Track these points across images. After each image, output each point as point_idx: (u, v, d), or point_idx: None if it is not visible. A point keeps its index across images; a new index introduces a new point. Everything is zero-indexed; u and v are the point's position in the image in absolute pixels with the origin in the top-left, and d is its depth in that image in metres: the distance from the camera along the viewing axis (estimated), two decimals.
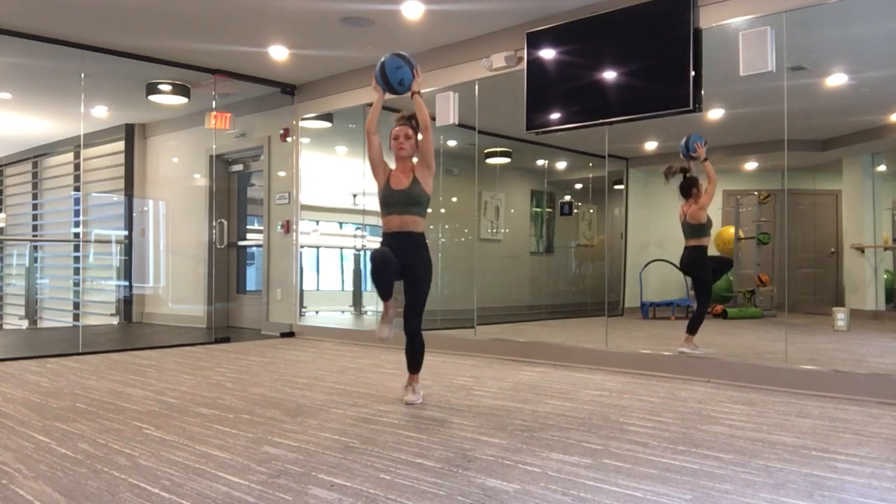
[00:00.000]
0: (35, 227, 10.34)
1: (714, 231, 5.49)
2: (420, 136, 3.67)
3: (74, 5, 5.12)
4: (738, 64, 4.30)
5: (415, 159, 3.70)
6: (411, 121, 3.69)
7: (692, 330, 4.82)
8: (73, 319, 8.80)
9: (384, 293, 3.58)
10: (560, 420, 3.26)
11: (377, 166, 3.68)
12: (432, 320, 7.43)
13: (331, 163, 8.25)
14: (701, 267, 5.07)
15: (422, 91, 3.69)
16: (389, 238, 3.63)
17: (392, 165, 3.72)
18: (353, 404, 3.65)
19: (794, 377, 4.01)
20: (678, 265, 5.22)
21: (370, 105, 3.76)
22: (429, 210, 3.77)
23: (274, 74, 6.99)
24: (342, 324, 7.86)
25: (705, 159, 5.01)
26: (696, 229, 5.04)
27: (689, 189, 5.09)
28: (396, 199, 3.60)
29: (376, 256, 3.46)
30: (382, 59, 3.64)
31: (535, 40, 5.33)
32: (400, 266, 3.54)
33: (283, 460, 2.58)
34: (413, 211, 3.60)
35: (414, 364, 3.74)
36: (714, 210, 5.37)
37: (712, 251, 5.46)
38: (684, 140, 5.07)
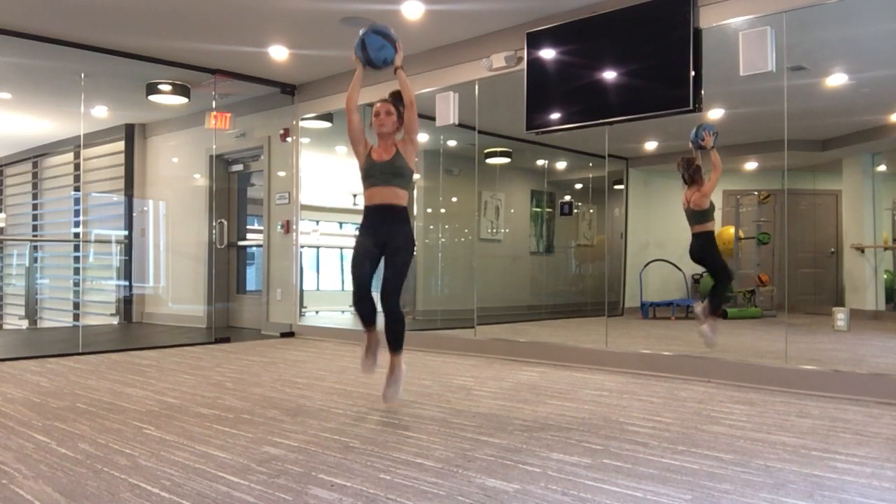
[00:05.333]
0: (35, 227, 10.34)
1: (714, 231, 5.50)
2: (404, 113, 3.58)
3: (74, 5, 5.12)
4: (738, 64, 4.30)
5: (399, 137, 3.62)
6: (394, 97, 3.62)
7: (714, 309, 4.87)
8: (73, 319, 8.80)
9: (366, 319, 3.56)
10: (560, 420, 3.26)
11: (358, 143, 3.60)
12: (432, 320, 7.45)
13: (331, 163, 8.26)
14: (710, 250, 5.16)
15: (403, 65, 3.60)
16: (371, 212, 3.54)
17: (373, 143, 3.65)
18: (353, 404, 3.65)
19: (794, 377, 4.01)
20: (679, 266, 5.25)
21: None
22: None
23: (274, 74, 6.99)
24: (342, 324, 7.86)
25: (712, 148, 5.04)
26: (699, 215, 5.12)
27: (692, 175, 5.14)
28: (379, 170, 3.51)
29: (355, 290, 3.47)
30: (362, 34, 3.53)
31: (535, 40, 5.33)
32: (380, 242, 3.49)
33: (283, 460, 2.58)
34: (395, 182, 3.51)
35: (394, 341, 3.55)
36: (714, 210, 5.38)
37: None
38: (695, 129, 5.12)
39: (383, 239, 3.50)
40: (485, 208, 7.31)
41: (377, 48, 3.52)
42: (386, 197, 3.51)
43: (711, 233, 5.17)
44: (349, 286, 3.57)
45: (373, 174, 3.54)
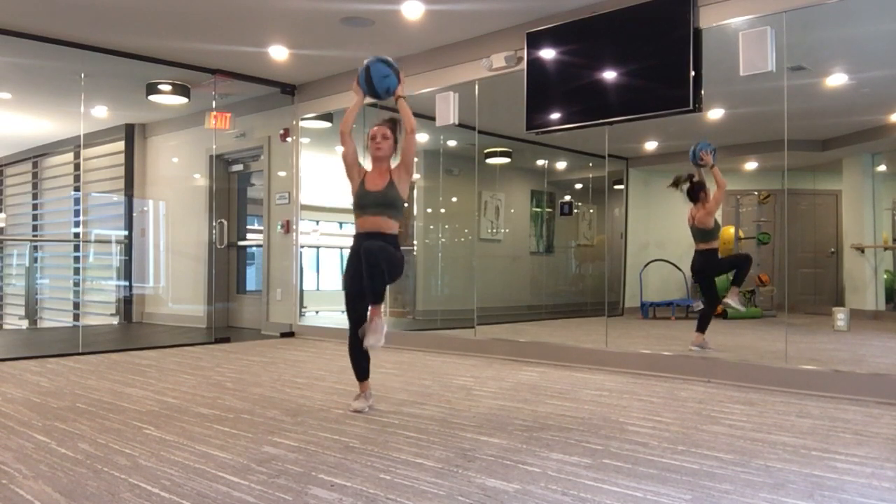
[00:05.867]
0: (35, 227, 10.34)
1: None
2: (400, 139, 3.57)
3: (74, 5, 5.11)
4: (738, 64, 4.30)
5: (394, 163, 3.60)
6: (392, 122, 3.61)
7: (701, 328, 4.92)
8: (73, 319, 8.80)
9: (361, 371, 3.57)
10: (560, 420, 3.26)
11: (352, 167, 3.60)
12: (432, 320, 7.45)
13: (331, 163, 8.25)
14: (711, 270, 5.19)
15: (405, 94, 3.59)
16: (361, 238, 3.52)
17: (368, 167, 3.63)
18: None
19: (794, 377, 4.01)
20: (679, 266, 5.27)
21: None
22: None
23: (274, 74, 6.99)
24: (342, 324, 7.84)
25: (713, 166, 5.06)
26: (704, 234, 5.15)
27: (696, 194, 5.19)
28: (371, 201, 3.50)
29: (352, 332, 3.51)
30: (367, 64, 3.55)
31: (535, 40, 5.33)
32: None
33: (283, 460, 2.58)
34: (387, 213, 3.50)
35: (374, 297, 3.45)
36: (719, 229, 5.41)
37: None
38: (692, 148, 5.14)
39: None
40: (485, 208, 7.31)
41: (381, 77, 3.52)
42: (377, 226, 3.49)
43: (716, 251, 5.21)
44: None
45: (364, 204, 3.52)
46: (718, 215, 5.41)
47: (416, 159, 3.62)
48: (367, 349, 3.46)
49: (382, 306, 3.59)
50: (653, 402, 3.70)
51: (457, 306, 6.74)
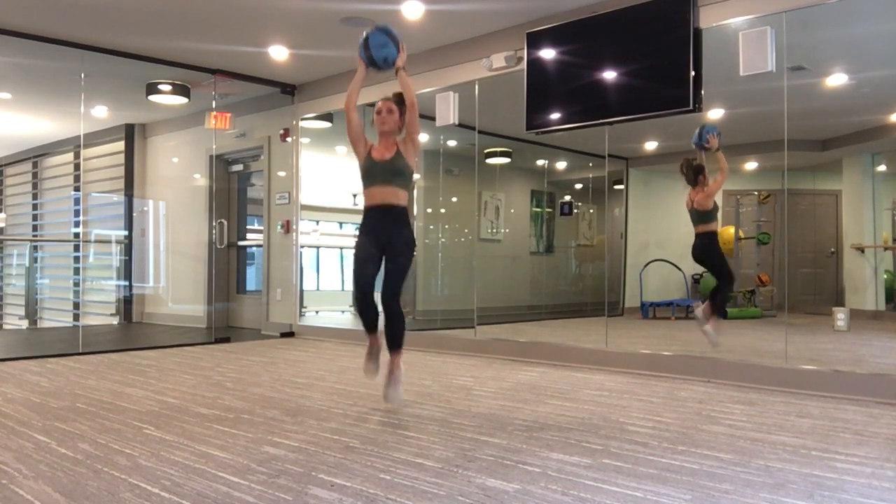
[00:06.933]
0: (35, 227, 10.34)
1: None
2: (405, 114, 3.57)
3: (74, 5, 5.12)
4: (738, 64, 4.30)
5: (400, 137, 3.60)
6: (397, 96, 3.61)
7: (717, 310, 4.88)
8: (73, 319, 8.80)
9: (368, 323, 3.57)
10: (560, 420, 3.26)
11: (357, 142, 3.58)
12: (432, 320, 7.45)
13: (331, 163, 8.26)
14: (712, 251, 5.17)
15: (406, 67, 3.57)
16: (371, 213, 3.53)
17: (373, 141, 3.63)
18: (353, 404, 3.65)
19: (794, 377, 4.01)
20: (679, 266, 5.25)
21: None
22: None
23: (274, 74, 6.99)
24: (342, 324, 7.86)
25: (717, 149, 5.03)
26: (703, 216, 5.11)
27: (695, 176, 5.13)
28: (379, 170, 3.49)
29: (357, 294, 3.49)
30: (366, 34, 3.53)
31: (535, 40, 5.33)
32: (381, 244, 3.49)
33: (283, 460, 2.58)
34: (395, 182, 3.49)
35: (393, 340, 3.53)
36: (718, 210, 5.39)
37: None
38: (698, 130, 5.09)
39: (383, 241, 3.49)
40: (485, 208, 7.31)
41: (379, 45, 3.51)
42: (386, 197, 3.50)
43: (714, 233, 5.18)
44: (349, 286, 3.56)
45: (372, 173, 3.52)
46: (719, 215, 5.42)
47: (420, 134, 3.61)
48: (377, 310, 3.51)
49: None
50: (653, 402, 3.70)
51: (457, 306, 6.75)
